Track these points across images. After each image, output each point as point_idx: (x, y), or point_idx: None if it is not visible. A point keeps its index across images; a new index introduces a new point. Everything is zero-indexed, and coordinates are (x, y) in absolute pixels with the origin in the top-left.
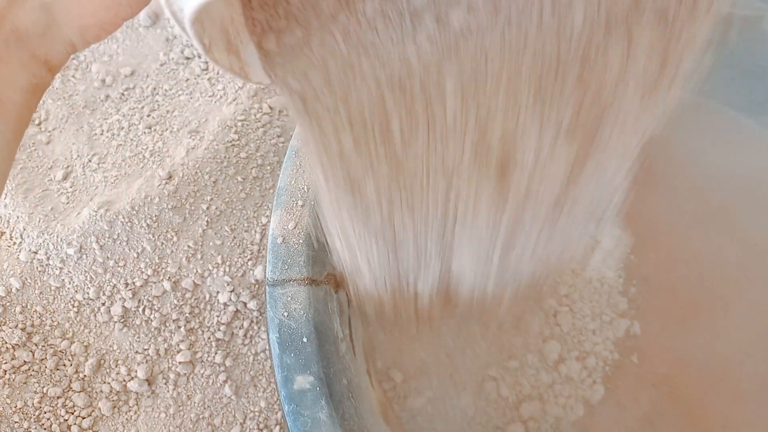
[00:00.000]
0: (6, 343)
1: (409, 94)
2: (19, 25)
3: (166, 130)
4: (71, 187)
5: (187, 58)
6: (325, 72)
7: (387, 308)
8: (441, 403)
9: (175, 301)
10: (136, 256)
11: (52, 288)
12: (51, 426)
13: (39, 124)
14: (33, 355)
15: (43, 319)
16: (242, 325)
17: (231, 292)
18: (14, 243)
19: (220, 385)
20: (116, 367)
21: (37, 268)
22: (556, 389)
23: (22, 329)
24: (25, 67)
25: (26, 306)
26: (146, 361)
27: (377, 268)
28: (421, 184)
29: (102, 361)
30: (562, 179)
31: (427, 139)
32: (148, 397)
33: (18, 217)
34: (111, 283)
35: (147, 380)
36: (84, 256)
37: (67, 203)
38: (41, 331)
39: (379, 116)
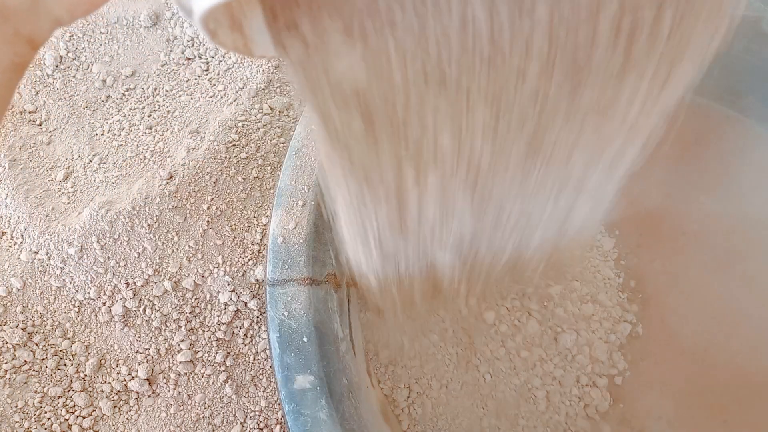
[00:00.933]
0: (7, 342)
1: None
2: (4, 0)
3: (167, 130)
4: (72, 187)
5: (188, 59)
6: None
7: (394, 294)
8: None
9: (176, 301)
10: (137, 255)
11: (53, 288)
12: (52, 426)
13: (40, 124)
14: (34, 354)
15: (44, 318)
16: (243, 324)
17: (231, 291)
18: (15, 243)
19: (221, 384)
20: (117, 366)
21: (38, 267)
22: (562, 393)
23: (23, 329)
24: (8, 45)
25: (27, 306)
26: (147, 361)
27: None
28: (432, 152)
29: (103, 361)
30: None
31: (439, 116)
32: (149, 396)
33: (19, 217)
34: (112, 283)
35: (148, 380)
36: (85, 256)
37: (68, 203)
38: (42, 331)
39: (386, 91)
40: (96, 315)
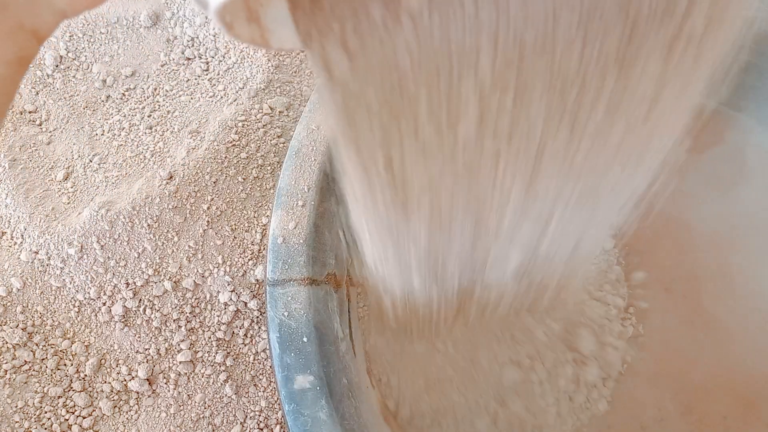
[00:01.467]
0: (7, 342)
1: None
2: None
3: (167, 130)
4: (72, 187)
5: (188, 59)
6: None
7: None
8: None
9: (176, 301)
10: (137, 255)
11: (53, 288)
12: (52, 426)
13: (40, 124)
14: (34, 354)
15: (44, 318)
16: (243, 324)
17: (231, 291)
18: (15, 243)
19: (221, 384)
20: (117, 366)
21: (38, 267)
22: (571, 406)
23: (23, 329)
24: (11, 38)
25: (27, 306)
26: (147, 361)
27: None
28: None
29: (103, 361)
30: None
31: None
32: (149, 396)
33: (19, 217)
34: (112, 283)
35: (148, 380)
36: (85, 256)
37: (68, 203)
38: (42, 331)
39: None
40: (96, 315)
